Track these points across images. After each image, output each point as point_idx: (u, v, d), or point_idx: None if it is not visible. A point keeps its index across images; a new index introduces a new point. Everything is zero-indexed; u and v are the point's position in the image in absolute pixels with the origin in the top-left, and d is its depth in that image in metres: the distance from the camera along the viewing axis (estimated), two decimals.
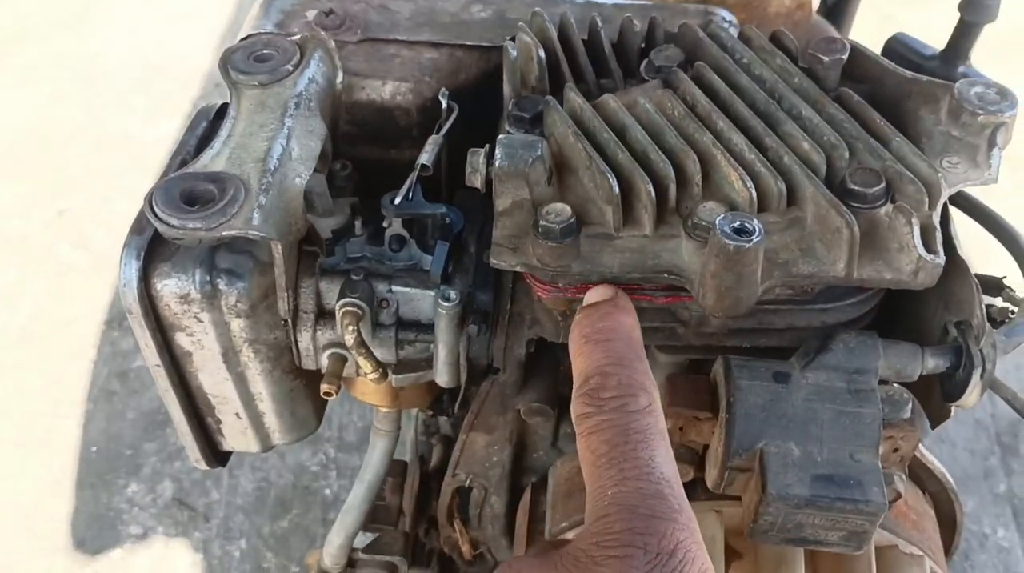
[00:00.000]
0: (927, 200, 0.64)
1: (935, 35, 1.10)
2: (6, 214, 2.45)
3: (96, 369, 2.08)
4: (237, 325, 0.74)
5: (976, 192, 0.94)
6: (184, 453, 1.85)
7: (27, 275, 2.29)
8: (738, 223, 0.60)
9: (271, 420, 0.84)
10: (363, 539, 1.07)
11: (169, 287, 0.71)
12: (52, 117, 2.78)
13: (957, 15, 1.07)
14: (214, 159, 0.69)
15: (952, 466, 1.90)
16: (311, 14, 0.89)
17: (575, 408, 0.58)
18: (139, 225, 0.71)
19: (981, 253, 0.86)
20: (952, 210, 0.77)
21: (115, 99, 2.85)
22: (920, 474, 0.83)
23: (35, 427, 1.99)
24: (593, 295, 0.65)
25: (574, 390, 0.59)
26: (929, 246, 0.63)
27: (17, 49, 3.05)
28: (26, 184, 2.54)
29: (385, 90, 0.85)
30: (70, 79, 2.93)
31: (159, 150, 2.66)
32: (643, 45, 0.83)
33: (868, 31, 3.04)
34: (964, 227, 0.84)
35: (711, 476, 0.68)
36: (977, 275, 0.78)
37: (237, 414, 0.83)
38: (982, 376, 0.65)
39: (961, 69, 1.07)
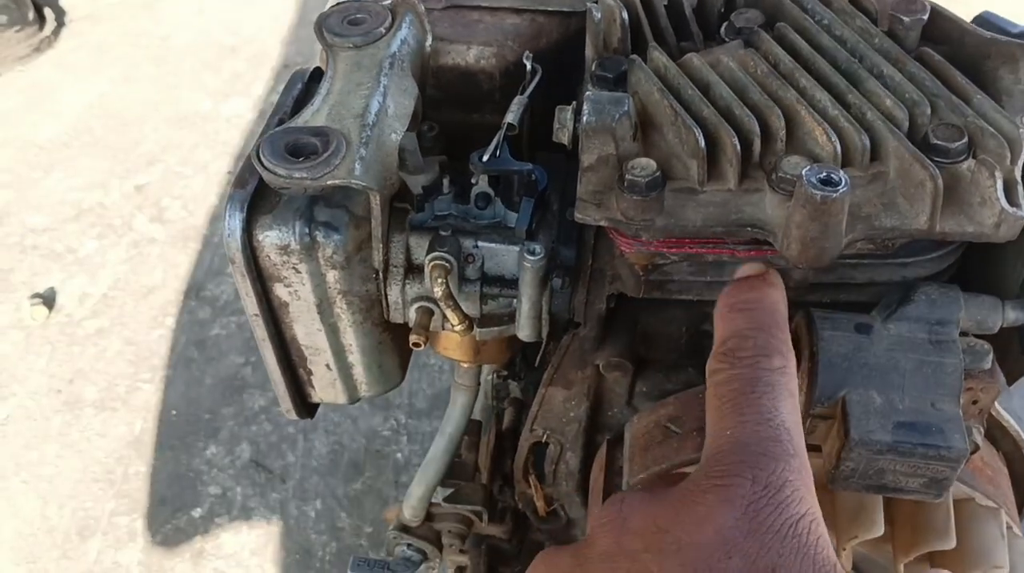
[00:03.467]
0: (1009, 155, 0.65)
1: (997, 8, 1.10)
2: (86, 187, 2.53)
3: (174, 337, 2.15)
4: (332, 276, 0.78)
5: None
6: (260, 418, 1.91)
7: (107, 246, 2.37)
8: (824, 174, 0.61)
9: (359, 372, 0.88)
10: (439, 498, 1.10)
11: (270, 238, 0.74)
12: (126, 95, 2.86)
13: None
14: (315, 115, 0.72)
15: None
16: None
17: (710, 366, 0.59)
18: (242, 179, 0.74)
19: None
20: None
21: (187, 78, 2.92)
22: (995, 433, 0.84)
23: (116, 390, 2.07)
24: (744, 270, 0.67)
25: (711, 353, 0.61)
26: (1012, 199, 0.64)
27: (90, 28, 3.14)
28: (104, 159, 2.62)
29: (469, 54, 0.88)
30: (143, 58, 3.00)
31: (230, 128, 2.72)
32: (723, 9, 0.84)
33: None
34: None
35: None
36: None
37: (328, 365, 0.86)
38: None
39: None
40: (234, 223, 0.73)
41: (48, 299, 2.23)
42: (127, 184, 2.53)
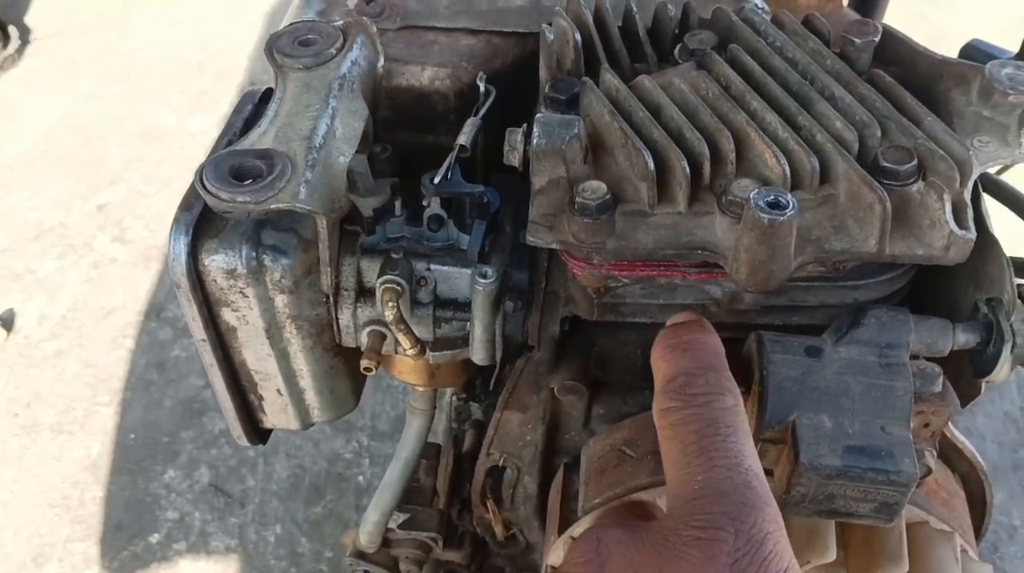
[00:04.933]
0: (958, 177, 0.65)
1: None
2: (48, 206, 2.50)
3: (134, 358, 2.12)
4: (281, 301, 0.76)
5: (1008, 178, 0.95)
6: (220, 441, 1.88)
7: (67, 266, 2.34)
8: (772, 197, 0.61)
9: (311, 397, 0.86)
10: (396, 524, 1.09)
11: (216, 262, 0.73)
12: (92, 111, 2.83)
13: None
14: (261, 137, 0.71)
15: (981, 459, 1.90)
16: (352, 2, 0.92)
17: (658, 403, 0.59)
18: (188, 202, 0.73)
19: (1013, 239, 0.87)
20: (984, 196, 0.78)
21: (153, 94, 2.90)
22: (950, 455, 0.84)
23: (74, 414, 2.04)
24: (678, 318, 0.67)
25: (656, 390, 0.60)
26: (960, 222, 0.64)
27: (59, 45, 3.11)
28: (67, 177, 2.59)
29: (424, 76, 0.87)
30: (110, 75, 2.98)
31: (196, 144, 2.70)
32: (677, 30, 0.84)
33: (898, 28, 3.01)
34: (995, 213, 0.85)
35: None
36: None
37: (279, 391, 0.85)
38: (1012, 351, 0.66)
39: None
40: (179, 247, 0.72)
41: (6, 321, 2.20)
42: (90, 203, 2.50)
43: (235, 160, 0.68)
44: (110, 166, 2.63)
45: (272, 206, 0.65)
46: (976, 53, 1.20)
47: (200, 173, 0.67)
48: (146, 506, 1.89)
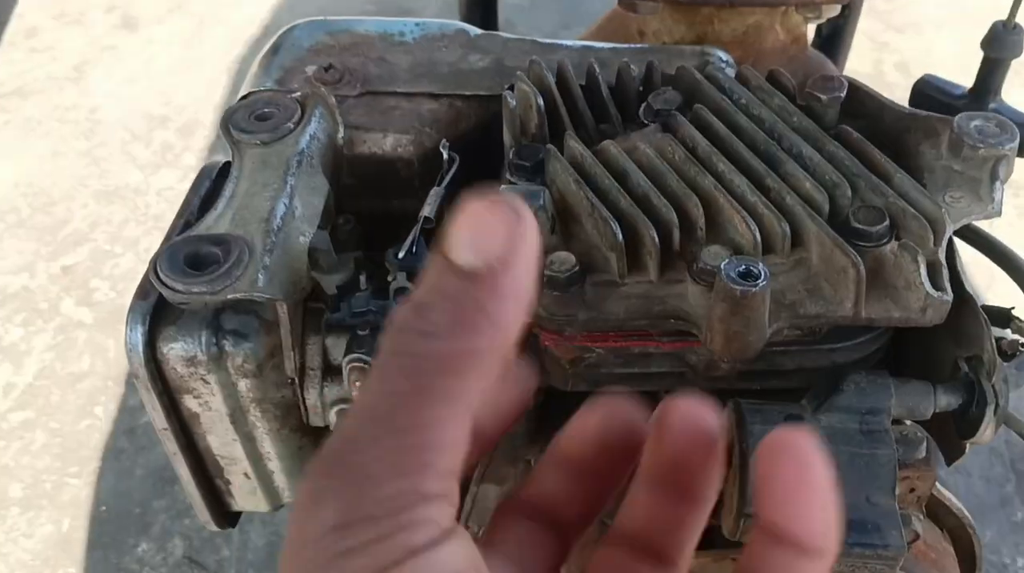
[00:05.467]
0: (932, 236, 0.64)
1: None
2: (11, 270, 2.46)
3: (103, 426, 2.07)
4: (244, 385, 0.74)
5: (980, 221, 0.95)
6: (194, 510, 1.84)
7: (32, 332, 2.29)
8: (743, 267, 0.59)
9: (280, 478, 0.84)
10: None
11: (175, 350, 0.70)
12: (54, 171, 2.79)
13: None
14: (218, 220, 0.69)
15: (968, 495, 1.88)
16: (311, 69, 0.90)
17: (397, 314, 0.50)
18: (143, 289, 0.71)
19: (986, 281, 0.86)
20: (957, 241, 0.77)
21: (116, 151, 2.87)
22: (937, 510, 0.82)
23: (43, 486, 1.98)
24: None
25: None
26: (936, 283, 0.63)
27: (18, 104, 3.07)
28: (31, 240, 2.55)
29: (386, 143, 0.85)
30: (71, 133, 2.94)
31: (161, 201, 2.67)
32: (641, 88, 0.83)
33: (864, 58, 3.03)
34: (968, 255, 0.84)
35: (727, 524, 0.67)
36: (985, 307, 0.78)
37: (246, 474, 0.82)
38: (995, 412, 0.64)
39: (992, 106, 1.08)
40: (135, 337, 0.69)
41: None
42: (54, 266, 2.45)
43: (190, 247, 0.66)
44: (74, 226, 2.59)
45: (230, 296, 0.63)
46: (929, 89, 1.21)
47: (154, 263, 0.65)
48: None
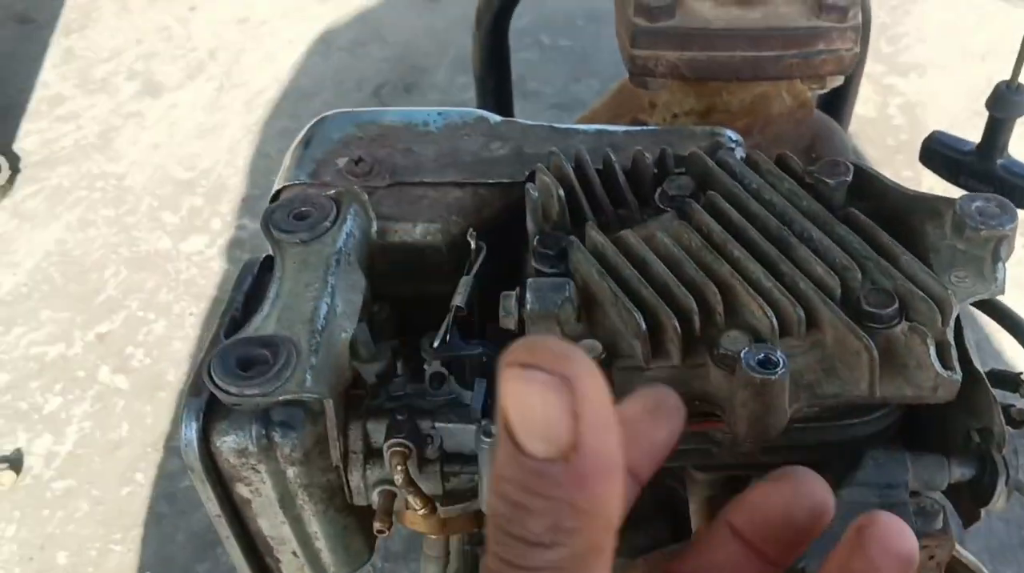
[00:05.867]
0: (939, 317, 0.68)
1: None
2: (48, 340, 2.52)
3: (144, 492, 2.12)
4: (292, 472, 0.78)
5: None
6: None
7: (71, 401, 2.35)
8: (763, 355, 0.63)
9: (327, 556, 0.87)
10: None
11: (228, 443, 0.74)
12: (84, 240, 2.86)
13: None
14: (264, 321, 0.73)
15: (988, 537, 1.90)
16: (342, 162, 0.94)
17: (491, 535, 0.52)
18: (196, 387, 0.75)
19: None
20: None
21: (145, 218, 2.94)
22: (956, 569, 0.85)
23: (88, 554, 2.03)
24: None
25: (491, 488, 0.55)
26: (946, 363, 0.66)
27: (46, 173, 3.15)
28: (65, 309, 2.61)
29: (416, 231, 0.90)
30: (99, 200, 3.02)
31: (191, 266, 2.73)
32: (655, 171, 0.87)
33: (868, 102, 3.07)
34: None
35: None
36: (993, 372, 0.81)
37: (294, 553, 0.86)
38: (1007, 482, 0.67)
39: (1000, 162, 1.11)
40: (190, 433, 0.73)
41: (15, 462, 2.21)
42: (89, 334, 2.52)
43: (240, 350, 0.70)
44: (107, 294, 2.66)
45: (280, 397, 0.67)
46: (938, 145, 1.24)
47: (208, 365, 0.69)
48: None
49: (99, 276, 2.73)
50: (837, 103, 1.58)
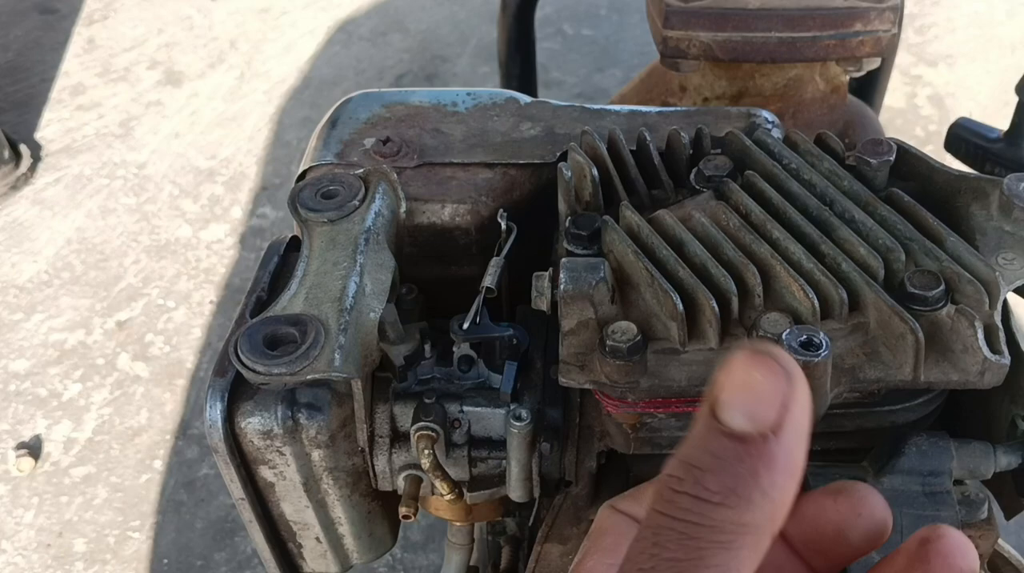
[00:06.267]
0: (987, 300, 0.65)
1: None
2: (68, 326, 2.52)
3: (163, 480, 2.12)
4: (317, 455, 0.76)
5: None
6: (253, 562, 1.87)
7: (90, 388, 2.34)
8: (805, 337, 0.61)
9: (350, 542, 0.86)
10: None
11: (252, 425, 0.73)
12: (105, 228, 2.86)
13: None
14: (292, 300, 0.72)
15: (1019, 533, 1.87)
16: (369, 142, 0.93)
17: (659, 491, 0.52)
18: (221, 366, 0.74)
19: None
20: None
21: (165, 206, 2.93)
22: (997, 563, 0.83)
23: (106, 541, 2.02)
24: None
25: (682, 448, 0.54)
26: (993, 346, 0.64)
27: (67, 162, 3.15)
28: (85, 296, 2.61)
29: (444, 213, 0.88)
30: (120, 189, 3.01)
31: (211, 255, 2.73)
32: (691, 153, 0.85)
33: (897, 92, 3.03)
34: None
35: None
36: None
37: (317, 538, 0.85)
38: None
39: None
40: (215, 414, 0.72)
41: (33, 448, 2.21)
42: (109, 321, 2.52)
43: (268, 329, 0.68)
44: (127, 282, 2.66)
45: (309, 377, 0.66)
46: (964, 132, 1.22)
47: (235, 343, 0.68)
48: None
49: (119, 264, 2.72)
50: (868, 89, 1.56)
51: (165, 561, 1.98)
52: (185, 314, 2.50)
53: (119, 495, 2.10)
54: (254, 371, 0.66)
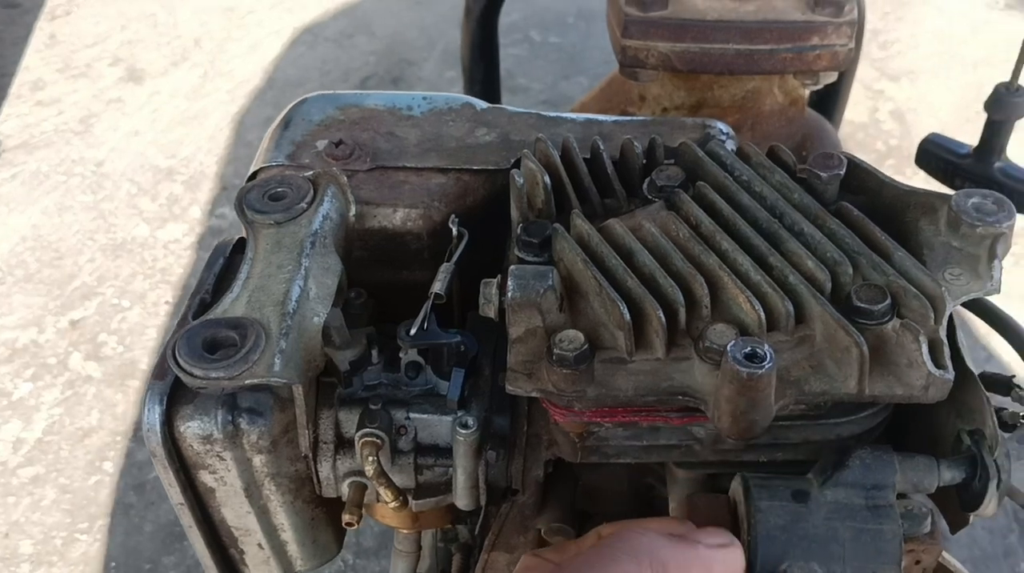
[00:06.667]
0: (932, 315, 0.65)
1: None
2: (20, 325, 2.48)
3: (112, 482, 2.09)
4: (259, 461, 0.75)
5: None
6: (202, 567, 1.85)
7: (41, 387, 2.31)
8: (749, 349, 0.61)
9: (293, 548, 0.85)
10: None
11: (192, 429, 0.72)
12: (61, 225, 2.82)
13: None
14: (234, 303, 0.70)
15: (971, 546, 1.89)
16: (321, 144, 0.92)
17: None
18: (160, 370, 0.72)
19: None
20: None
21: (123, 205, 2.90)
22: None
23: (54, 543, 1.99)
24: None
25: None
26: (938, 361, 0.64)
27: (24, 157, 3.11)
28: (38, 294, 2.57)
29: (396, 217, 0.87)
30: (77, 186, 2.98)
31: (168, 255, 2.70)
32: (644, 162, 0.85)
33: (859, 106, 3.06)
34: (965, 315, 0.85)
35: None
36: (986, 374, 0.79)
37: (260, 544, 0.83)
38: (998, 486, 0.65)
39: (998, 165, 1.10)
40: (153, 417, 0.71)
41: None
42: (62, 320, 2.48)
43: (208, 332, 0.67)
44: (82, 280, 2.62)
45: (247, 381, 0.64)
46: (935, 147, 1.23)
47: (172, 348, 0.66)
48: None
49: (74, 262, 2.68)
50: (828, 103, 1.57)
51: (113, 564, 1.95)
52: (140, 314, 2.47)
53: (67, 496, 2.06)
54: (192, 375, 0.65)
